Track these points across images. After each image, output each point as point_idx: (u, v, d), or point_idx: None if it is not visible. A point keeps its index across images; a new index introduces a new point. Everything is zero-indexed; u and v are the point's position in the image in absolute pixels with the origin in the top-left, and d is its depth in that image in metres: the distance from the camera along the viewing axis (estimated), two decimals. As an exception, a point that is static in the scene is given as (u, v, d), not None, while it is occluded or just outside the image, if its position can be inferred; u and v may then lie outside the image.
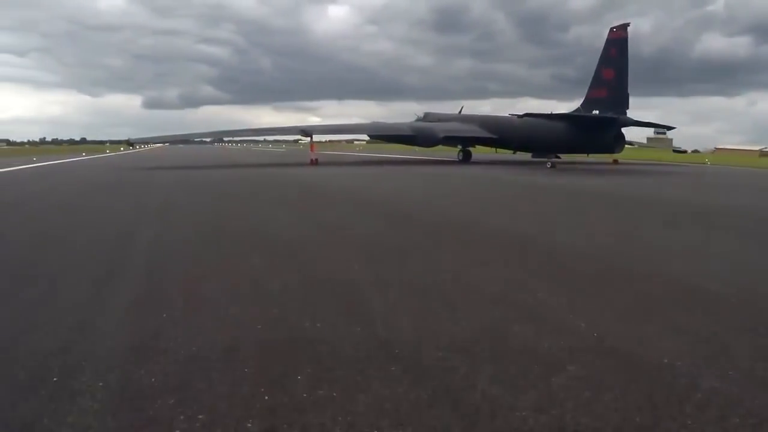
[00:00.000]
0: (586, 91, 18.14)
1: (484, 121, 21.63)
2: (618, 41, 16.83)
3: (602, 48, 17.26)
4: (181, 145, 55.24)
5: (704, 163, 26.38)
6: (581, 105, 17.75)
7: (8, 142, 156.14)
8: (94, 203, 7.91)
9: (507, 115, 20.95)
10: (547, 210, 7.50)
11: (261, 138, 29.45)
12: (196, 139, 28.98)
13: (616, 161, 22.70)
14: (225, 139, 34.30)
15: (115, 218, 6.15)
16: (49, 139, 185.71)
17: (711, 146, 62.33)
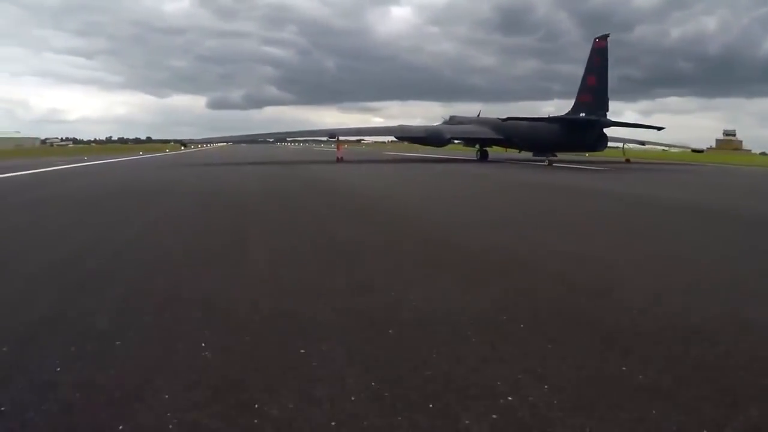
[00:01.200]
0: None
1: (496, 124, 23.80)
2: (600, 50, 18.81)
3: (587, 57, 19.22)
4: (243, 145, 57.16)
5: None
6: (571, 108, 19.76)
7: (74, 141, 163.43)
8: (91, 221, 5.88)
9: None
10: (501, 199, 9.44)
11: (323, 138, 32.59)
12: (259, 140, 33.02)
13: (628, 160, 24.28)
14: (288, 139, 37.70)
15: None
16: (115, 137, 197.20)
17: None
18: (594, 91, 18.93)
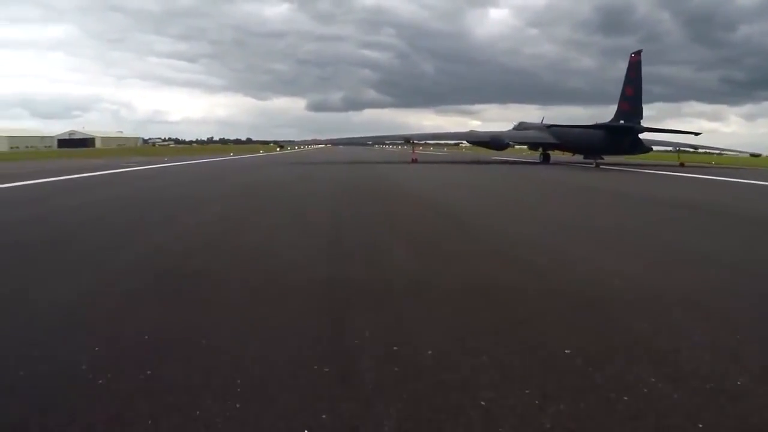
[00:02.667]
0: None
1: (553, 131, 26.67)
2: (635, 65, 21.45)
3: (625, 70, 21.92)
4: (341, 147, 61.34)
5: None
6: (613, 116, 22.45)
7: (176, 141, 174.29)
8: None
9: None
10: (527, 194, 13.08)
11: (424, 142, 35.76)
12: (355, 142, 36.37)
13: (682, 164, 26.11)
14: (386, 142, 41.59)
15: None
16: (216, 138, 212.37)
17: None
18: (631, 100, 21.62)
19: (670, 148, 29.57)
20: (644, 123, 21.96)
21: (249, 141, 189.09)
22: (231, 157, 31.79)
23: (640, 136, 22.14)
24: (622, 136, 21.62)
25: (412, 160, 25.86)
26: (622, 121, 21.93)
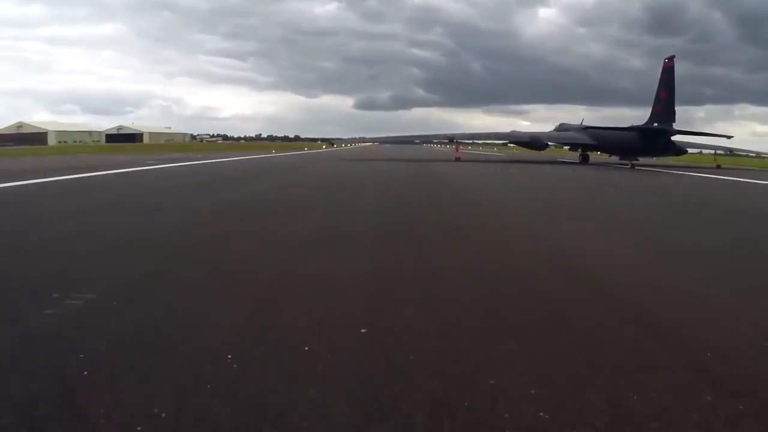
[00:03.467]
0: None
1: (591, 132, 28.07)
2: (669, 69, 22.76)
3: (659, 73, 23.29)
4: (387, 145, 61.11)
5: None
6: (648, 119, 23.82)
7: (225, 137, 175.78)
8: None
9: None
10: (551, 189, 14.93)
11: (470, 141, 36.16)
12: (401, 140, 37.17)
13: (719, 166, 27.00)
14: (434, 141, 42.56)
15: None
16: (264, 135, 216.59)
17: None
18: (665, 103, 23.01)
19: (711, 151, 30.33)
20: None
21: (297, 138, 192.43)
22: (273, 154, 31.79)
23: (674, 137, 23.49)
24: (654, 138, 23.02)
25: (456, 158, 27.85)
26: (655, 124, 23.33)
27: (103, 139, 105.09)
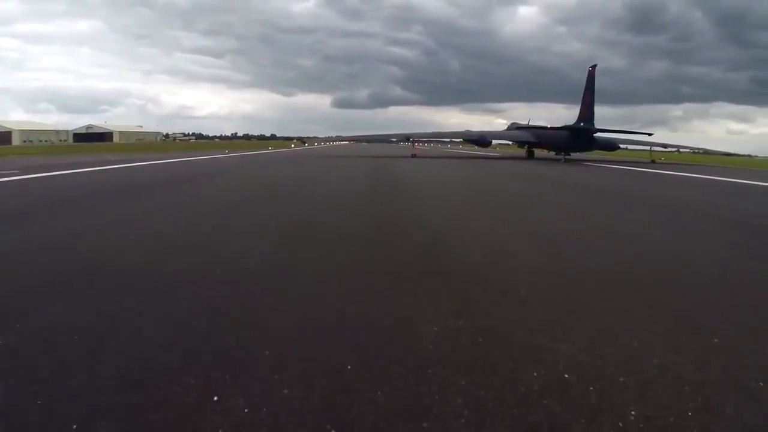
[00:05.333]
0: None
1: (534, 131, 31.15)
2: (592, 77, 25.98)
3: (585, 79, 26.61)
4: (364, 144, 60.43)
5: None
6: (576, 119, 27.07)
7: (200, 137, 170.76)
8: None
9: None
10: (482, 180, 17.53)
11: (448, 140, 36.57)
12: (374, 139, 37.78)
13: (653, 161, 29.96)
14: (411, 139, 43.05)
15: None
16: (240, 134, 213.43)
17: None
18: (588, 105, 26.37)
19: (646, 147, 33.35)
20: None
21: (273, 137, 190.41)
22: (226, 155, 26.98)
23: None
24: (580, 136, 26.29)
25: (412, 155, 30.42)
26: (581, 124, 26.60)
27: (71, 138, 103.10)
